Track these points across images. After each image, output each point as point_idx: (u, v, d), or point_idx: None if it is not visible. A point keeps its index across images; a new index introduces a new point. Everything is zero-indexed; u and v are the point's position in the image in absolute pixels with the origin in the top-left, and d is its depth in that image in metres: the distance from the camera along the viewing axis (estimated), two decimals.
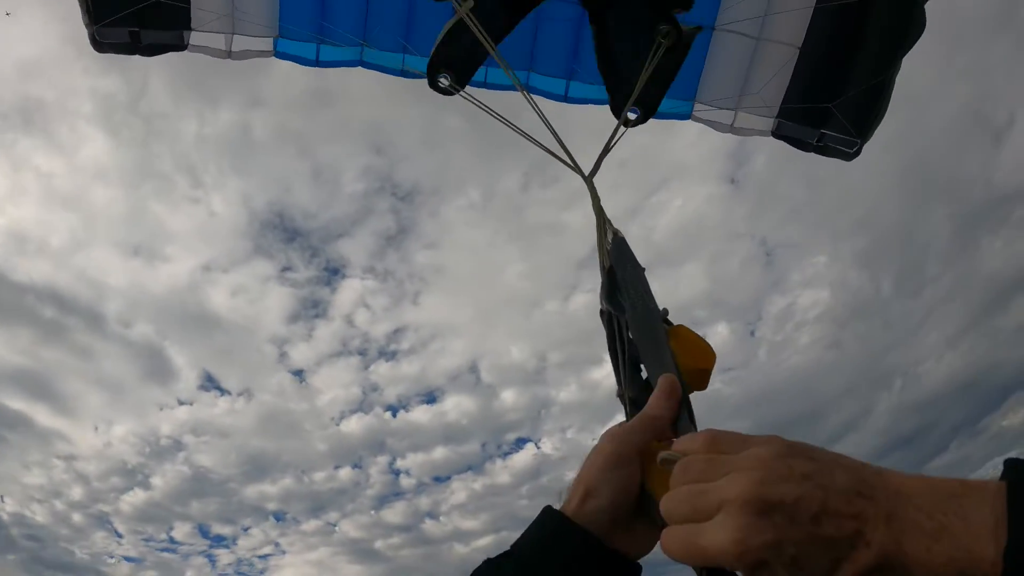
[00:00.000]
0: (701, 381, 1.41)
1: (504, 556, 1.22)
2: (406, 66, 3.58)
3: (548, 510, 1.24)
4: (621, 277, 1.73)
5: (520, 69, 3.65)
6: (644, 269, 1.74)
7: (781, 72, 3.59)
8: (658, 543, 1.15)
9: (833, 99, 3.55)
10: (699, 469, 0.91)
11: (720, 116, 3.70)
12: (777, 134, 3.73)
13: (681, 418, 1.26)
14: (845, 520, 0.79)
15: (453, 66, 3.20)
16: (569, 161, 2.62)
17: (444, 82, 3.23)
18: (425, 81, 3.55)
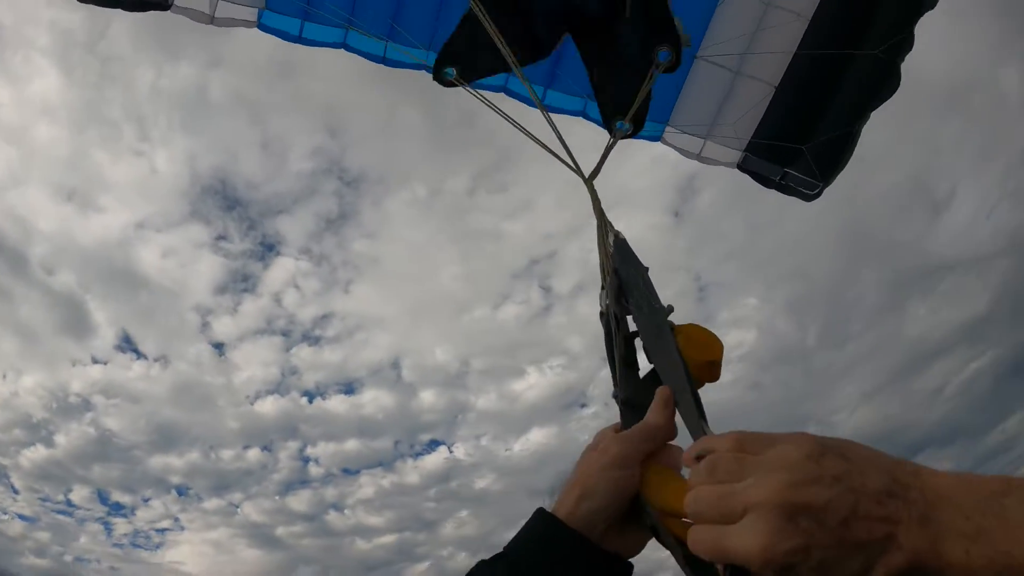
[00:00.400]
0: (712, 373, 1.41)
1: (497, 558, 1.24)
2: (388, 55, 3.55)
3: (541, 512, 1.27)
4: (625, 278, 1.74)
5: (500, 71, 3.65)
6: (647, 269, 1.74)
7: (755, 108, 3.66)
8: (647, 544, 1.27)
9: (804, 141, 3.64)
10: (726, 469, 0.90)
11: (689, 143, 3.76)
12: (742, 167, 3.81)
13: (689, 414, 1.27)
14: (876, 523, 0.78)
15: (460, 60, 3.17)
16: (571, 162, 2.62)
17: (451, 76, 3.19)
18: (387, 69, 3.57)
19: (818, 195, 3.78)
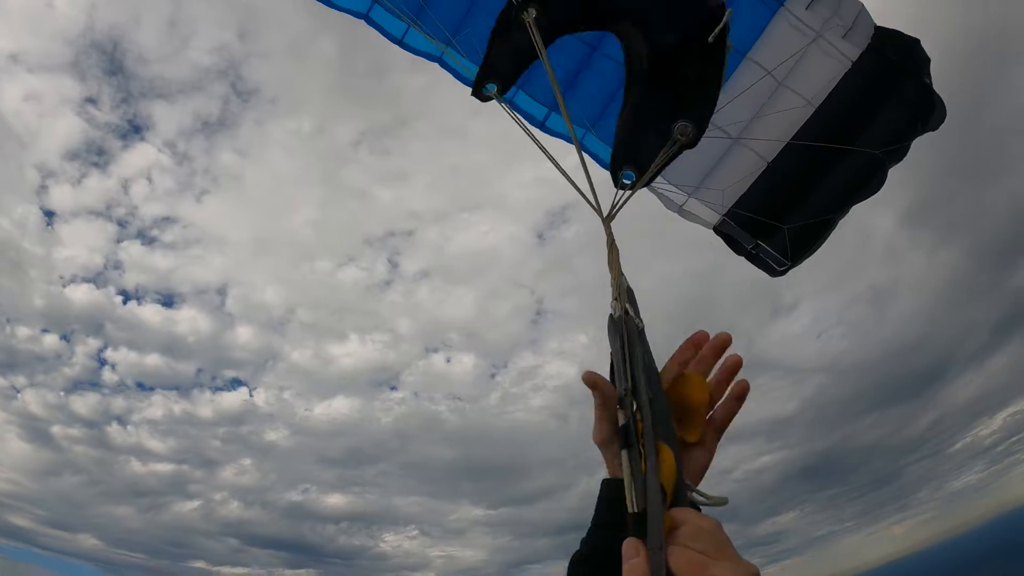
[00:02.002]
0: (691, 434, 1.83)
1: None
2: (406, 39, 3.61)
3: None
4: (638, 328, 1.92)
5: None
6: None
7: (745, 178, 3.75)
8: None
9: (784, 220, 3.74)
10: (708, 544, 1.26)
11: (674, 195, 3.86)
12: (718, 229, 3.92)
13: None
14: None
15: (500, 75, 3.04)
16: (592, 200, 2.67)
17: (491, 92, 3.05)
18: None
19: (783, 273, 3.90)
